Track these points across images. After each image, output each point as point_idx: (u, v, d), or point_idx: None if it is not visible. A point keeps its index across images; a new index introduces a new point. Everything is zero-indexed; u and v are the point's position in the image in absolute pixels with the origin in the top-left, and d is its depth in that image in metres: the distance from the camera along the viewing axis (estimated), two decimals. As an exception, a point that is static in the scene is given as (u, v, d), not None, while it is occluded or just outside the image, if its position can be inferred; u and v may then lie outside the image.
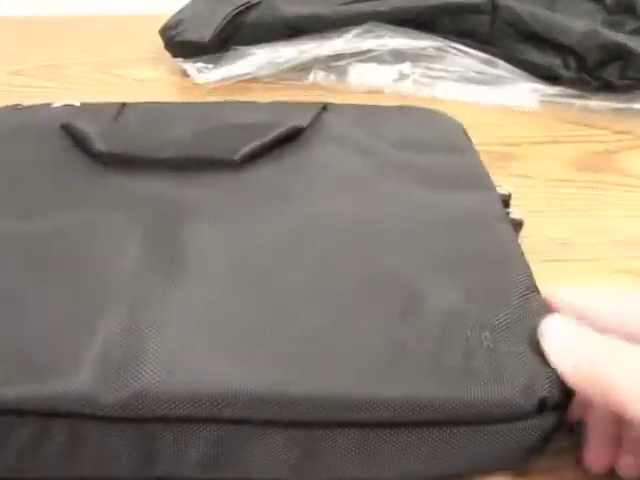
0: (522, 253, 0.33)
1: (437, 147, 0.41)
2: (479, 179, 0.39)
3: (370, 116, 0.44)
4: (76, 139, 0.39)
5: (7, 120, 0.43)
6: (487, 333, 0.27)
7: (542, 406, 0.26)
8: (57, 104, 0.45)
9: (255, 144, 0.38)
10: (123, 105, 0.44)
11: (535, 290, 0.30)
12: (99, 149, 0.37)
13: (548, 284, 0.30)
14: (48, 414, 0.25)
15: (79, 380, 0.25)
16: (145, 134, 0.40)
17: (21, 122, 0.42)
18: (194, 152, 0.37)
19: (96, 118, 0.42)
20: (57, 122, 0.41)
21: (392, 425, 0.26)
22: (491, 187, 0.38)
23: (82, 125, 0.40)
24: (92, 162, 0.37)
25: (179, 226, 0.32)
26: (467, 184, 0.38)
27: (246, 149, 0.37)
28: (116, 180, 0.36)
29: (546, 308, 0.30)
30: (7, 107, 0.45)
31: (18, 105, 0.45)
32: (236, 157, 0.37)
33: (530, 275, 0.31)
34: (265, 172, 0.37)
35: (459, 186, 0.37)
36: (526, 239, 0.39)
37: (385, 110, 0.46)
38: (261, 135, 0.38)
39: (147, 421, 0.25)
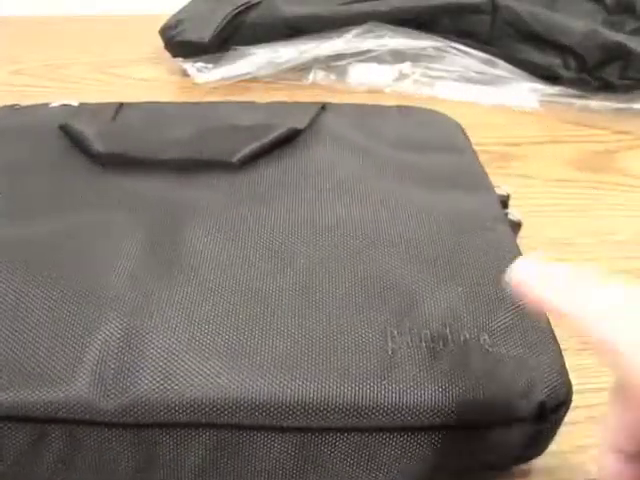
0: (521, 255, 0.33)
1: (436, 147, 0.41)
2: (477, 180, 0.38)
3: (369, 116, 0.44)
4: (74, 140, 0.39)
5: (5, 120, 0.43)
6: (486, 336, 0.27)
7: (541, 410, 0.26)
8: (55, 104, 0.45)
9: (254, 146, 0.37)
10: (121, 105, 0.44)
11: None
12: (97, 150, 0.37)
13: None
14: (46, 420, 0.25)
15: (78, 386, 0.25)
16: (144, 135, 0.39)
17: (19, 122, 0.42)
18: (193, 154, 0.37)
19: (94, 118, 0.41)
20: (55, 122, 0.40)
21: (391, 429, 0.25)
22: (489, 188, 0.38)
23: (80, 126, 0.39)
24: (91, 163, 0.37)
25: (179, 228, 0.32)
26: (465, 185, 0.37)
27: (245, 151, 0.37)
28: (115, 181, 0.36)
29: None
30: (4, 107, 0.45)
31: (16, 105, 0.45)
32: (235, 159, 0.37)
33: None
34: (264, 174, 0.36)
35: (457, 187, 0.37)
36: (526, 239, 0.39)
37: (384, 110, 0.46)
38: (260, 137, 0.38)
39: (146, 427, 0.25)
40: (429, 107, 0.48)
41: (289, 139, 0.39)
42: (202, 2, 0.67)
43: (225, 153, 0.37)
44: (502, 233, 0.34)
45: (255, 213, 0.33)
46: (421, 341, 0.27)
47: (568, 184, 0.51)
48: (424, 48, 0.62)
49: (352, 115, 0.44)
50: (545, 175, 0.51)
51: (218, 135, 0.39)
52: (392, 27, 0.62)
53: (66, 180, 0.36)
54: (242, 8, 0.62)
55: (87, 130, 0.39)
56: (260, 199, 0.34)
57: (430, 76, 0.63)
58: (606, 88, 0.60)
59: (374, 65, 0.63)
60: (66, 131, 0.40)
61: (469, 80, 0.62)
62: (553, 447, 0.28)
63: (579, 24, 0.59)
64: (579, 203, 0.49)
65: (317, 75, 0.63)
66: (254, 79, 0.63)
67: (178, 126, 0.40)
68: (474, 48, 0.62)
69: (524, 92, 0.61)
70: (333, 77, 0.63)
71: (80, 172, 0.36)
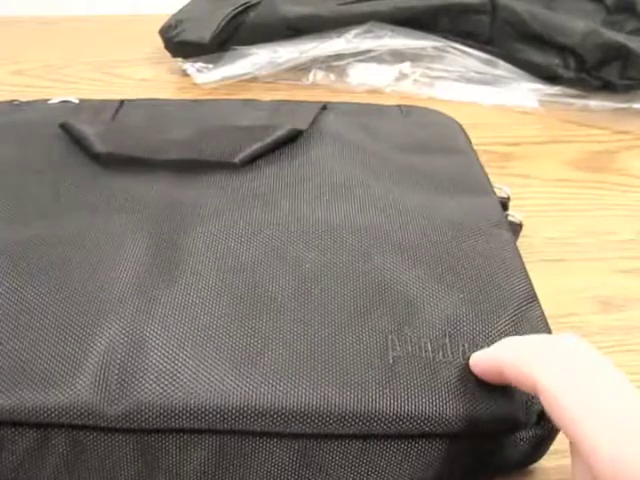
0: (522, 261, 0.33)
1: (436, 148, 0.41)
2: (478, 182, 0.38)
3: (370, 116, 0.44)
4: (74, 139, 0.39)
5: (4, 117, 0.42)
6: (485, 346, 0.27)
7: (540, 416, 0.26)
8: (54, 100, 0.45)
9: (255, 147, 0.37)
10: (122, 102, 0.44)
11: (534, 299, 0.30)
12: (98, 150, 0.37)
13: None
14: (49, 425, 0.25)
15: (81, 390, 0.24)
16: (144, 134, 0.39)
17: (18, 119, 0.42)
18: (194, 154, 0.37)
19: (95, 117, 0.41)
20: (55, 120, 0.40)
21: (391, 437, 0.25)
22: (490, 191, 0.38)
23: (80, 125, 0.39)
24: (91, 163, 0.37)
25: (182, 230, 0.32)
26: (466, 188, 0.37)
27: (247, 151, 0.37)
28: (116, 182, 0.35)
29: (545, 318, 0.30)
30: (3, 103, 0.45)
31: (15, 101, 0.45)
32: (236, 160, 0.37)
33: (529, 283, 0.31)
34: (265, 175, 0.36)
35: (458, 190, 0.37)
36: (526, 239, 0.40)
37: (385, 109, 0.46)
38: (261, 137, 0.38)
39: (149, 432, 0.25)
40: (429, 107, 0.48)
41: (291, 140, 0.39)
42: (202, 2, 0.67)
43: (227, 154, 0.37)
44: (503, 237, 0.34)
45: (258, 215, 0.33)
46: (421, 350, 0.27)
47: (568, 184, 0.51)
48: (424, 48, 0.62)
49: (353, 114, 0.44)
50: (545, 175, 0.51)
51: (219, 135, 0.39)
52: (392, 27, 0.62)
53: (66, 181, 0.36)
54: (242, 8, 0.62)
55: (87, 130, 0.38)
56: (262, 200, 0.34)
57: (430, 76, 0.63)
58: (606, 88, 0.60)
59: (374, 65, 0.63)
60: (66, 130, 0.39)
61: (469, 80, 0.62)
62: (553, 447, 0.28)
63: (579, 24, 0.59)
64: (579, 203, 0.49)
65: (317, 75, 0.63)
66: (254, 79, 0.63)
67: (179, 125, 0.40)
68: (474, 48, 0.62)
69: (524, 92, 0.61)
70: (333, 77, 0.63)
71: (80, 172, 0.36)
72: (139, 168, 0.36)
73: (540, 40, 0.60)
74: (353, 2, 0.63)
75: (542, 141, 0.56)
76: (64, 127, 0.39)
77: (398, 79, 0.63)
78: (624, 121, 0.58)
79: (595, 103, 0.60)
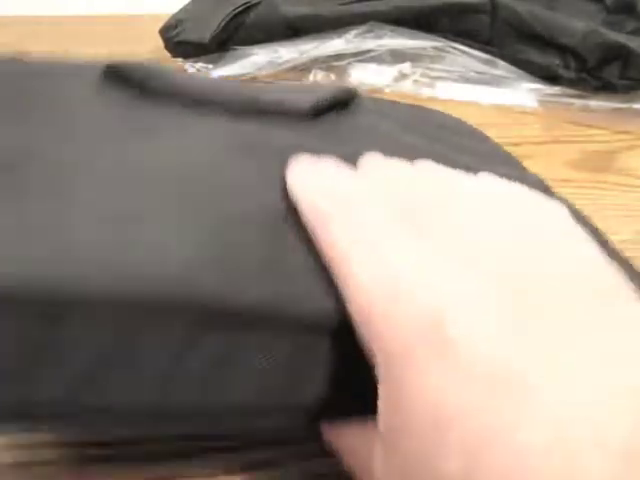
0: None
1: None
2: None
3: (404, 112, 0.42)
4: (122, 76, 0.34)
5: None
6: None
7: None
8: None
9: (320, 97, 0.34)
10: None
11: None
12: (155, 86, 0.33)
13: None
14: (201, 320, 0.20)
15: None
16: (199, 83, 0.35)
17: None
18: (252, 102, 0.33)
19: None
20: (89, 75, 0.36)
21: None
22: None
23: (127, 65, 0.35)
24: (153, 99, 0.33)
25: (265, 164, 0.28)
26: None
27: (314, 100, 0.34)
28: (182, 117, 0.32)
29: None
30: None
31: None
32: (307, 106, 0.33)
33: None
34: (332, 126, 0.34)
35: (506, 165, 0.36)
36: (526, 239, 0.39)
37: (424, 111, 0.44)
38: (319, 92, 0.35)
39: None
40: (429, 107, 0.48)
41: (346, 101, 0.36)
42: (202, 2, 0.67)
43: (287, 105, 0.34)
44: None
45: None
46: None
47: (568, 184, 0.51)
48: (424, 48, 0.62)
49: (385, 104, 0.42)
50: (545, 175, 0.51)
51: (274, 92, 0.36)
52: (392, 27, 0.62)
53: (131, 113, 0.32)
54: (242, 8, 0.62)
55: (136, 67, 0.34)
56: (342, 145, 0.31)
57: (430, 76, 0.63)
58: (606, 88, 0.60)
59: (374, 65, 0.64)
60: (112, 69, 0.35)
61: (469, 80, 0.62)
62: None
63: (579, 24, 0.59)
64: (579, 203, 0.48)
65: (317, 75, 0.63)
66: (254, 79, 0.63)
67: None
68: (474, 48, 0.62)
69: (524, 92, 0.61)
70: (333, 77, 0.63)
71: (143, 107, 0.32)
72: (198, 107, 0.32)
73: (540, 40, 0.60)
74: (353, 2, 0.63)
75: (542, 141, 0.56)
76: (109, 67, 0.35)
77: (398, 79, 0.63)
78: (624, 121, 0.58)
79: (595, 103, 0.60)
